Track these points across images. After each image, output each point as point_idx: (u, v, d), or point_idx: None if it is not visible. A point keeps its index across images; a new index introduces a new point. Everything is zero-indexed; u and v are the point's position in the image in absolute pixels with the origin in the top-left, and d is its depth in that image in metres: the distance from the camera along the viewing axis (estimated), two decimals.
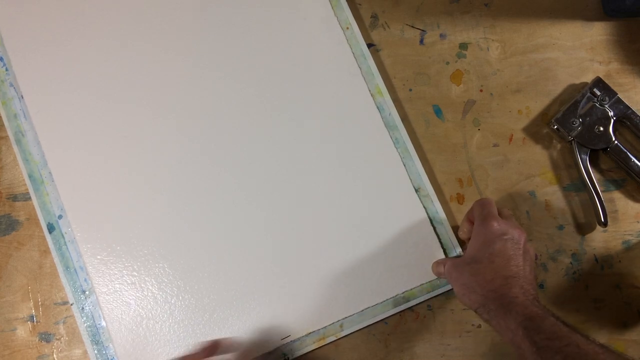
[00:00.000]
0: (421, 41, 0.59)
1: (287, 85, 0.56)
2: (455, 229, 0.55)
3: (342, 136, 0.55)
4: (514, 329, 0.40)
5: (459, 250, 0.54)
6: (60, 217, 0.53)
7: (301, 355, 0.52)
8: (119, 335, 0.51)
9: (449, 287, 0.53)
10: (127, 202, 0.53)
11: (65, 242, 0.52)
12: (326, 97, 0.56)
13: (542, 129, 0.57)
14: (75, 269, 0.52)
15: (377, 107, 0.56)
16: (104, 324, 0.51)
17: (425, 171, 0.55)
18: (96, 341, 0.51)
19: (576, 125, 0.54)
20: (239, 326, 0.51)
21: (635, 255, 0.55)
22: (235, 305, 0.52)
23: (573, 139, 0.54)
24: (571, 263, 0.55)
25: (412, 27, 0.59)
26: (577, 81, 0.58)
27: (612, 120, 0.54)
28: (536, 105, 0.58)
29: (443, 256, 0.53)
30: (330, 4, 0.58)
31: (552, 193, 0.56)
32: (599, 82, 0.55)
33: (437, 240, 0.54)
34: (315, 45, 0.57)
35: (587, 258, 0.55)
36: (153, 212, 0.53)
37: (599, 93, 0.55)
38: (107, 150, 0.54)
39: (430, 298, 0.53)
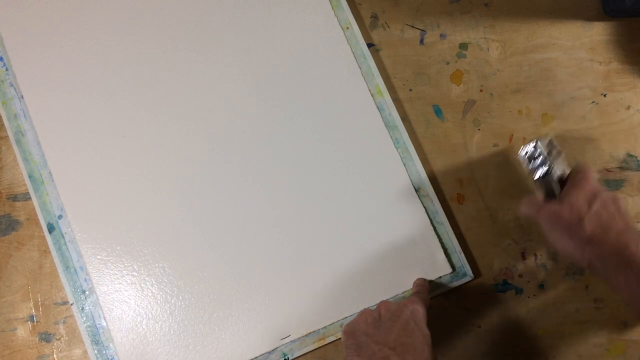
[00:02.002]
0: (421, 41, 0.59)
1: (287, 85, 0.56)
2: (456, 229, 0.55)
3: (342, 136, 0.55)
4: (635, 285, 0.41)
5: (458, 249, 0.54)
6: (60, 217, 0.53)
7: (301, 355, 0.52)
8: (119, 335, 0.51)
9: (448, 287, 0.53)
10: (127, 202, 0.53)
11: (65, 242, 0.52)
12: (326, 97, 0.56)
13: (541, 129, 0.57)
14: (75, 269, 0.52)
15: (377, 107, 0.56)
16: (104, 323, 0.51)
17: (425, 171, 0.55)
18: (96, 341, 0.51)
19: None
20: (239, 326, 0.51)
21: None
22: (235, 305, 0.52)
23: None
24: (571, 263, 0.55)
25: (412, 27, 0.59)
26: (578, 81, 0.58)
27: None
28: (536, 105, 0.58)
29: (443, 256, 0.53)
30: (330, 4, 0.58)
31: None
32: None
33: (437, 240, 0.54)
34: (315, 45, 0.57)
35: None
36: (153, 212, 0.53)
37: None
38: (107, 150, 0.54)
39: (431, 298, 0.53)
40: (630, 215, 0.46)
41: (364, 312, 0.46)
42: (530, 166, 0.49)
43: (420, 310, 0.45)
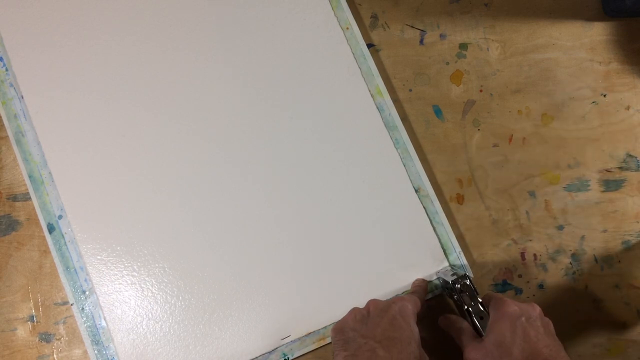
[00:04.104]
0: (421, 41, 0.59)
1: (287, 85, 0.56)
2: (456, 229, 0.55)
3: (342, 136, 0.56)
4: None
5: (458, 249, 0.54)
6: (60, 217, 0.53)
7: (301, 355, 0.52)
8: (119, 335, 0.51)
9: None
10: (128, 202, 0.53)
11: (65, 242, 0.52)
12: (326, 97, 0.56)
13: (541, 129, 0.57)
14: (75, 269, 0.52)
15: (377, 108, 0.56)
16: (104, 324, 0.51)
17: (425, 171, 0.55)
18: (96, 341, 0.51)
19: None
20: (239, 326, 0.51)
21: (635, 256, 0.55)
22: (235, 305, 0.52)
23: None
24: (571, 263, 0.55)
25: (412, 27, 0.59)
26: (577, 81, 0.58)
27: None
28: (536, 105, 0.58)
29: (443, 256, 0.53)
30: (330, 4, 0.58)
31: (552, 193, 0.56)
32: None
33: (437, 240, 0.54)
34: (315, 45, 0.57)
35: (587, 258, 0.55)
36: (153, 212, 0.53)
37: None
38: (107, 150, 0.54)
39: (431, 298, 0.53)
40: (554, 334, 0.45)
41: (353, 310, 0.47)
42: (456, 297, 0.49)
43: (408, 307, 0.45)
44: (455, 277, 0.50)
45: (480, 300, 0.48)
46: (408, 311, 0.45)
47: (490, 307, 0.47)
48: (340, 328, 0.45)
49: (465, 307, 0.48)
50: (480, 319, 0.47)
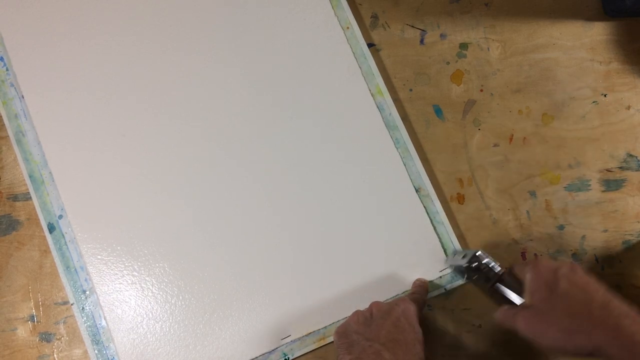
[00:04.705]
0: (421, 41, 0.59)
1: (287, 85, 0.56)
2: (456, 229, 0.55)
3: (342, 136, 0.55)
4: None
5: (458, 248, 0.54)
6: (60, 217, 0.53)
7: (301, 355, 0.52)
8: (120, 335, 0.51)
9: (448, 287, 0.53)
10: (128, 202, 0.53)
11: (65, 242, 0.52)
12: (326, 97, 0.56)
13: (541, 129, 0.57)
14: (75, 269, 0.52)
15: (378, 107, 0.56)
16: (104, 323, 0.51)
17: (426, 171, 0.55)
18: (96, 341, 0.51)
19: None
20: (239, 326, 0.51)
21: (635, 255, 0.55)
22: (235, 305, 0.52)
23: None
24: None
25: (412, 27, 0.59)
26: (578, 81, 0.58)
27: None
28: (536, 105, 0.58)
29: (443, 256, 0.53)
30: (331, 4, 0.58)
31: (552, 193, 0.56)
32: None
33: (437, 240, 0.54)
34: (316, 45, 0.57)
35: (588, 258, 0.55)
36: (154, 211, 0.53)
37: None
38: (107, 150, 0.54)
39: (431, 298, 0.53)
40: (594, 279, 0.43)
41: (356, 313, 0.47)
42: (473, 277, 0.47)
43: (411, 309, 0.45)
44: (466, 258, 0.48)
45: (505, 271, 0.46)
46: (411, 312, 0.45)
47: (526, 271, 0.45)
48: (343, 331, 0.45)
49: (490, 283, 0.46)
50: (514, 288, 0.45)
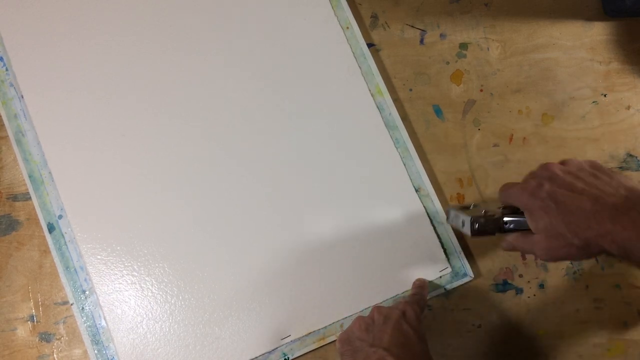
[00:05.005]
0: (421, 41, 0.59)
1: (287, 85, 0.56)
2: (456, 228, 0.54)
3: (342, 136, 0.55)
4: None
5: (459, 249, 0.54)
6: (60, 217, 0.53)
7: (301, 355, 0.52)
8: (119, 335, 0.51)
9: (448, 287, 0.53)
10: (128, 202, 0.53)
11: (65, 242, 0.52)
12: (326, 97, 0.56)
13: (541, 129, 0.57)
14: (75, 269, 0.52)
15: (377, 107, 0.56)
16: (104, 323, 0.51)
17: (426, 171, 0.55)
18: (96, 341, 0.51)
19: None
20: (239, 326, 0.51)
21: None
22: (235, 305, 0.52)
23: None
24: (571, 263, 0.55)
25: (412, 27, 0.59)
26: (578, 81, 0.58)
27: None
28: (536, 105, 0.58)
29: (443, 256, 0.53)
30: (331, 3, 0.58)
31: None
32: None
33: (437, 240, 0.54)
34: (315, 45, 0.57)
35: None
36: (153, 211, 0.53)
37: None
38: (107, 150, 0.54)
39: (431, 298, 0.53)
40: (602, 169, 0.40)
41: (358, 319, 0.47)
42: (477, 228, 0.45)
43: (413, 311, 0.45)
44: (468, 216, 0.46)
45: (504, 211, 0.45)
46: (412, 315, 0.45)
47: (514, 196, 0.43)
48: (346, 338, 0.45)
49: (500, 222, 0.44)
50: (519, 219, 0.44)
